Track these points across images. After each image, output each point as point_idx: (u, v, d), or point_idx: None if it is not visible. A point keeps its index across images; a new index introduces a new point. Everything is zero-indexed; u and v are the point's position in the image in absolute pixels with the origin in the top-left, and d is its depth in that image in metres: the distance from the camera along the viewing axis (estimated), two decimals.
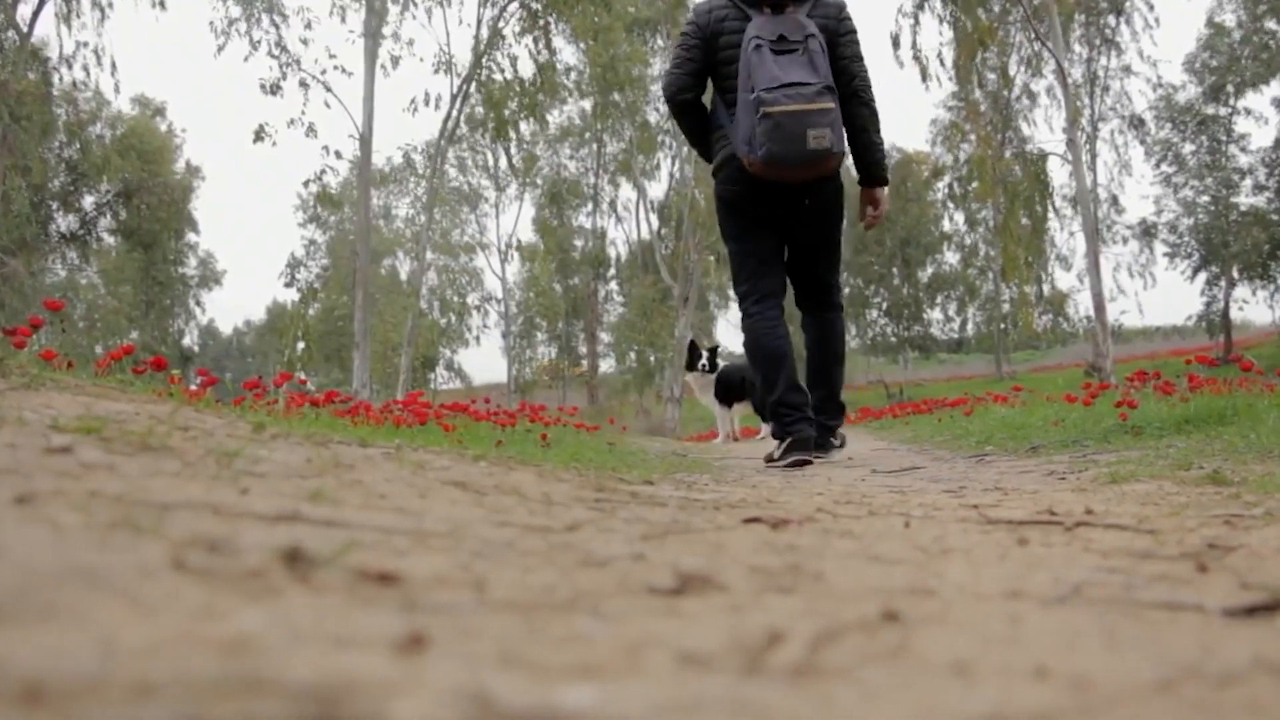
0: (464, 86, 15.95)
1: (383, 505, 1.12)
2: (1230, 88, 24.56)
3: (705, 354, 7.94)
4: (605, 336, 32.62)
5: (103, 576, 0.61)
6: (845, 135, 3.49)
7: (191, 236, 32.46)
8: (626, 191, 29.89)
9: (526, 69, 16.27)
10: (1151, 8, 23.06)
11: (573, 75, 22.68)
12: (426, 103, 16.15)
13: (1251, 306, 33.56)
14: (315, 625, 0.58)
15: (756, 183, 3.48)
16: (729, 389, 7.87)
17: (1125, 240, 26.03)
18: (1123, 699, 0.53)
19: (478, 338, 33.14)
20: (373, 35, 15.25)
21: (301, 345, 19.94)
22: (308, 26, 15.85)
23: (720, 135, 3.61)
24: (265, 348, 43.46)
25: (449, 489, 1.37)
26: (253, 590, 0.65)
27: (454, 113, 16.10)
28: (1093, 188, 22.40)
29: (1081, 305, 26.39)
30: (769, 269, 3.67)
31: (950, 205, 30.07)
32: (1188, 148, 25.34)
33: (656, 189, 28.41)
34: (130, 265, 29.18)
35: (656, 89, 25.55)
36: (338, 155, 16.14)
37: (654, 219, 27.44)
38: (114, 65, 17.99)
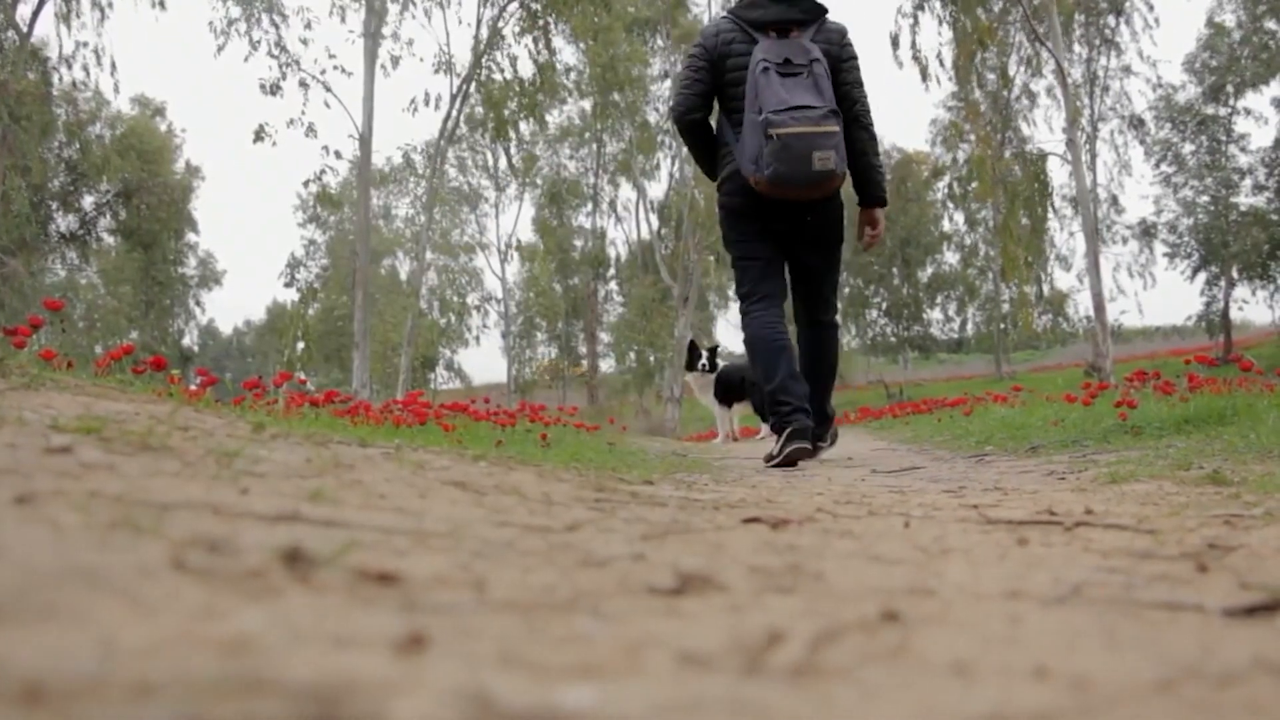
0: (464, 86, 15.96)
1: (383, 505, 1.12)
2: (1230, 88, 24.55)
3: (705, 354, 7.94)
4: (605, 336, 32.62)
5: (103, 576, 0.61)
6: (846, 157, 3.59)
7: (191, 236, 32.49)
8: (626, 191, 29.95)
9: (526, 69, 16.30)
10: (1151, 8, 23.10)
11: (573, 75, 22.69)
12: (426, 103, 16.17)
13: (1251, 306, 33.56)
14: (315, 625, 0.58)
15: (761, 198, 3.61)
16: (729, 389, 7.88)
17: (1125, 240, 26.06)
18: (1123, 699, 0.53)
19: (477, 338, 33.19)
20: (372, 35, 15.25)
21: (301, 345, 19.94)
22: (307, 26, 15.88)
23: (725, 152, 3.74)
24: (265, 348, 43.47)
25: (449, 489, 1.37)
26: (253, 590, 0.65)
27: (454, 113, 16.11)
28: (1092, 188, 22.41)
29: (1081, 305, 26.44)
30: (771, 275, 3.79)
31: (950, 205, 30.08)
32: (1188, 148, 25.34)
33: (656, 189, 28.46)
34: (130, 265, 29.17)
35: (656, 89, 25.64)
36: (338, 155, 16.17)
37: (654, 219, 27.47)
38: (114, 65, 18.01)
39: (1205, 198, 25.06)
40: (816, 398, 3.88)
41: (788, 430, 3.48)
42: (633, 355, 29.47)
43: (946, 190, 28.69)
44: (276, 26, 15.89)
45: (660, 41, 24.50)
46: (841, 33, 3.71)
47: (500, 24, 16.04)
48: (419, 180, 30.90)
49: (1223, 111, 24.98)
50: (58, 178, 25.92)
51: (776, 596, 0.80)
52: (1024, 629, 0.71)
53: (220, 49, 15.96)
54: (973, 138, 17.86)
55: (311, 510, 0.98)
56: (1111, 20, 23.71)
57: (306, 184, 16.17)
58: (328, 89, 15.55)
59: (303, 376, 11.49)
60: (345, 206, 26.01)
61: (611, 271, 32.72)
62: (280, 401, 4.30)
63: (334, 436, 1.96)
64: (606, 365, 32.87)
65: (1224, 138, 25.12)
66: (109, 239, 29.09)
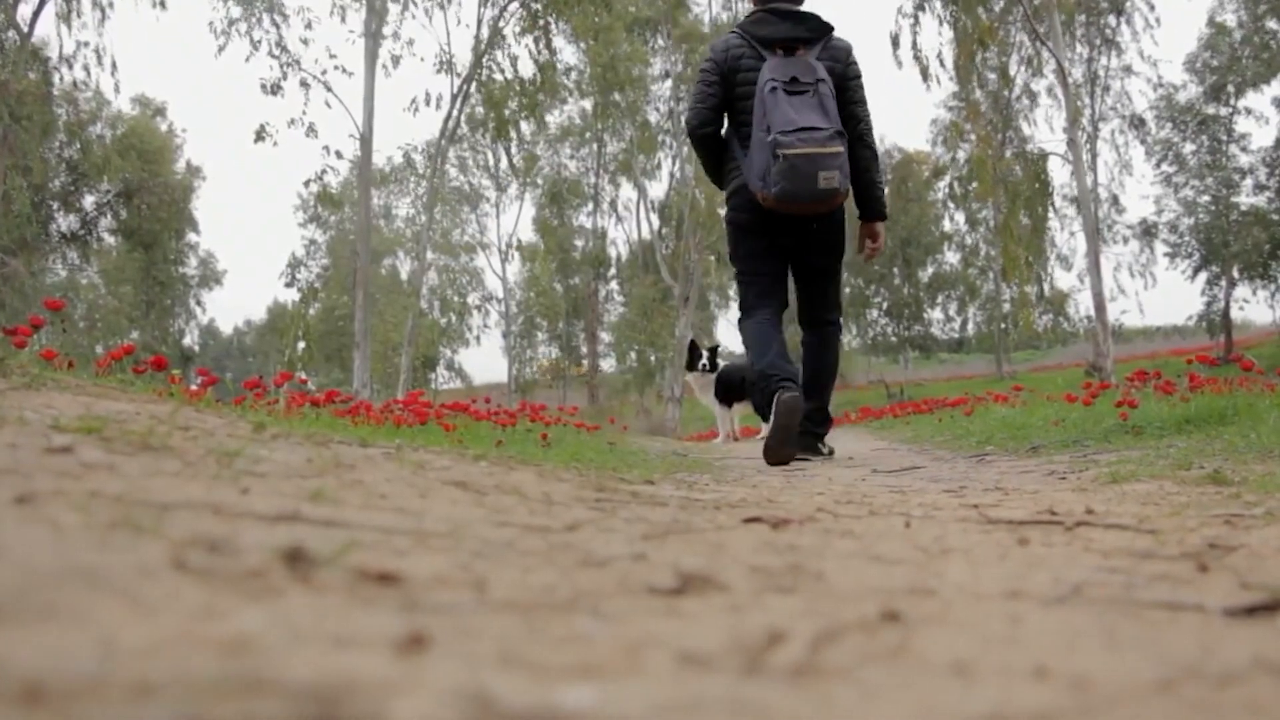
0: (464, 86, 15.95)
1: (383, 505, 1.12)
2: (1231, 87, 24.54)
3: (705, 354, 7.94)
4: (606, 336, 32.61)
5: (103, 576, 0.61)
6: (850, 173, 3.73)
7: (192, 236, 32.47)
8: (627, 191, 29.93)
9: (527, 69, 16.29)
10: (1152, 7, 23.06)
11: (573, 75, 22.68)
12: (427, 102, 16.16)
13: (1252, 306, 33.54)
14: (315, 625, 0.58)
15: (767, 212, 3.74)
16: (729, 389, 7.87)
17: (1126, 240, 26.03)
18: (1123, 699, 0.53)
19: (478, 337, 33.16)
20: (373, 35, 15.26)
21: (302, 345, 19.94)
22: (308, 26, 15.88)
23: (734, 166, 3.88)
24: (266, 348, 43.47)
25: (449, 489, 1.37)
26: (253, 590, 0.65)
27: (454, 112, 16.10)
28: (1093, 187, 22.38)
29: (1082, 305, 26.42)
30: (774, 290, 3.95)
31: (950, 205, 30.07)
32: (1188, 147, 25.32)
33: (657, 189, 28.45)
34: (131, 265, 29.17)
35: (657, 89, 25.64)
36: (338, 155, 16.17)
37: (654, 219, 27.46)
38: (114, 65, 17.99)
39: (1206, 197, 25.05)
40: (818, 398, 3.99)
41: (778, 399, 3.56)
42: (633, 355, 29.47)
43: (947, 190, 28.70)
44: (277, 26, 15.91)
45: (661, 41, 24.49)
46: (847, 50, 3.85)
47: (501, 24, 16.04)
48: (420, 180, 30.89)
49: (1224, 111, 24.97)
50: (58, 178, 25.92)
51: (777, 596, 0.80)
52: (1024, 629, 0.71)
53: (221, 49, 15.97)
54: (973, 137, 17.84)
55: (312, 510, 0.98)
56: (1112, 20, 23.69)
57: (307, 184, 16.17)
58: (328, 89, 15.56)
59: (303, 376, 11.50)
60: (346, 206, 26.01)
61: (612, 271, 32.72)
62: (281, 401, 4.30)
63: (335, 436, 1.96)
64: (607, 365, 32.88)
65: (1225, 137, 25.10)
66: (110, 239, 29.10)
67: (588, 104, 25.50)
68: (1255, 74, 23.94)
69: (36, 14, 17.30)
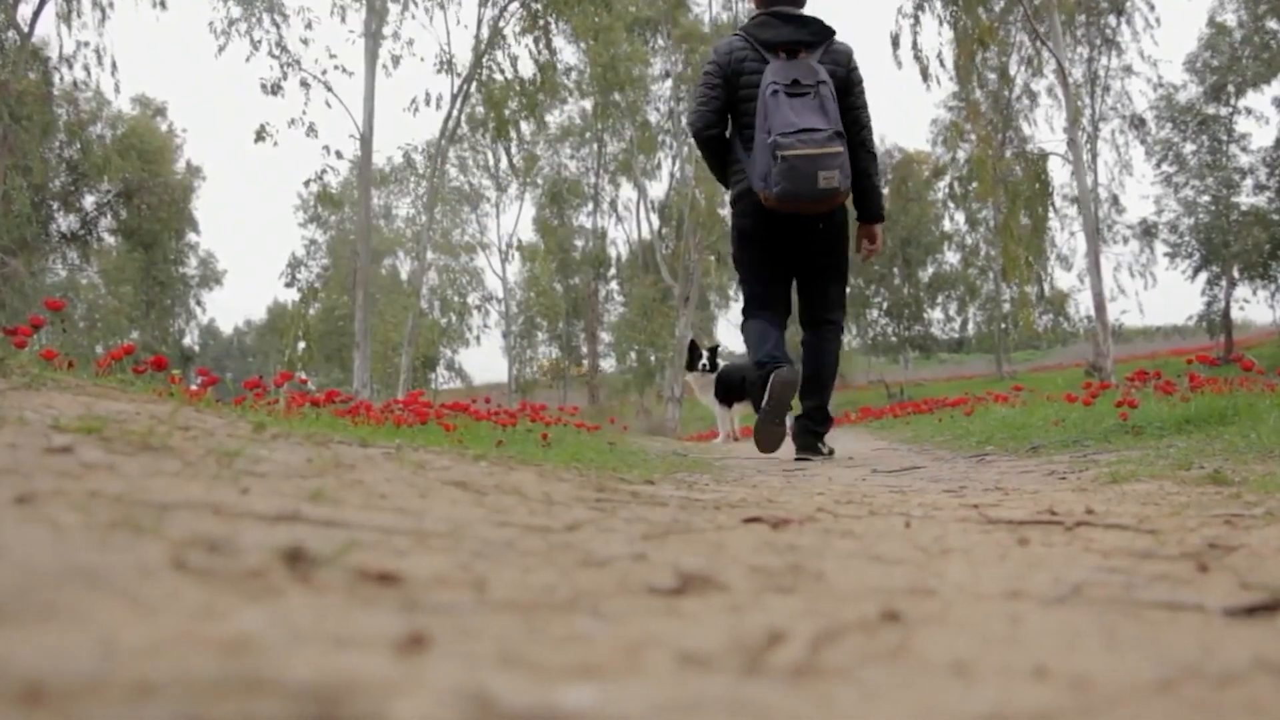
0: (464, 86, 15.95)
1: (383, 505, 1.12)
2: (1231, 87, 24.53)
3: (705, 353, 7.93)
4: (606, 336, 32.61)
5: (103, 576, 0.61)
6: (850, 174, 3.80)
7: (192, 236, 32.46)
8: (627, 191, 29.92)
9: (527, 69, 16.29)
10: (1152, 7, 23.06)
11: (573, 75, 22.68)
12: (427, 102, 16.16)
13: (1252, 306, 33.48)
14: (315, 625, 0.58)
15: (771, 214, 3.83)
16: (729, 388, 7.86)
17: (1126, 240, 26.02)
18: (1123, 699, 0.53)
19: (478, 337, 33.15)
20: (373, 35, 15.26)
21: (302, 345, 19.94)
22: (308, 26, 15.89)
23: (738, 169, 3.96)
24: (266, 347, 43.46)
25: (449, 489, 1.37)
26: (253, 590, 0.65)
27: (454, 112, 16.10)
28: (1093, 187, 22.38)
29: (1082, 305, 26.41)
30: (777, 294, 4.07)
31: (951, 205, 30.07)
32: (1188, 147, 25.32)
33: (657, 189, 28.44)
34: (131, 265, 29.17)
35: (657, 89, 25.64)
36: (338, 155, 16.18)
37: (654, 219, 27.45)
38: (114, 65, 17.98)
39: (1206, 197, 25.05)
40: (818, 397, 4.03)
41: (771, 376, 3.74)
42: (633, 355, 29.46)
43: (947, 190, 28.69)
44: (277, 26, 15.91)
45: (661, 41, 24.49)
46: (848, 55, 3.93)
47: (501, 24, 16.04)
48: (420, 180, 30.88)
49: (1224, 111, 24.96)
50: (59, 178, 25.92)
51: (777, 596, 0.80)
52: (1024, 629, 0.71)
53: (221, 49, 15.98)
54: (973, 137, 17.84)
55: (312, 510, 0.98)
56: (1112, 20, 23.69)
57: (307, 184, 16.18)
58: (329, 89, 15.58)
59: (303, 376, 11.50)
60: (346, 206, 26.01)
61: (612, 271, 32.71)
62: (281, 401, 4.30)
63: (335, 436, 1.96)
64: (607, 365, 32.88)
65: (1225, 137, 25.10)
66: (110, 239, 29.10)
67: (588, 104, 25.50)
68: (1255, 74, 23.94)
69: (36, 14, 17.31)
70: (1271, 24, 23.81)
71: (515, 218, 62.98)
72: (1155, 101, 25.04)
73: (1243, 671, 0.58)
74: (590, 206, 31.15)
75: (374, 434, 2.70)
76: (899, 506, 1.68)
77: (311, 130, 15.18)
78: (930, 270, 33.53)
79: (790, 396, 3.78)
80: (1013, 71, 20.49)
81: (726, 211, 19.88)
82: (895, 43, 17.27)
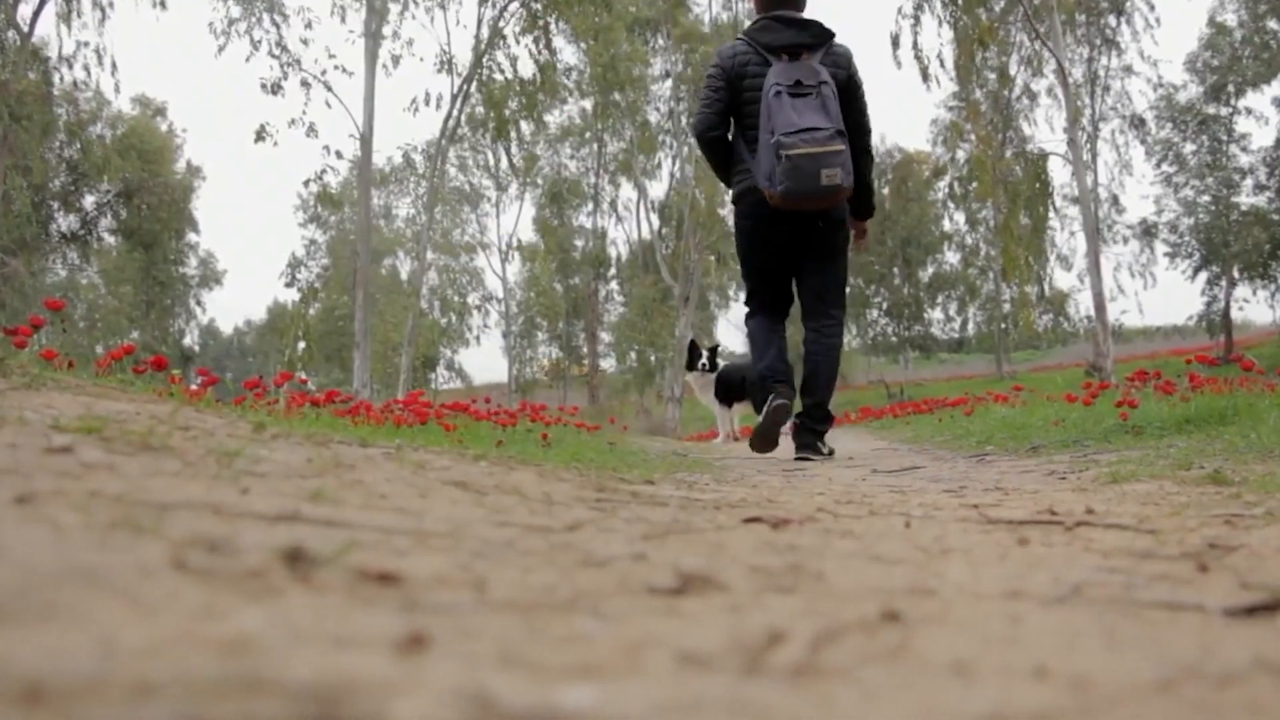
0: (464, 86, 15.95)
1: (383, 505, 1.12)
2: (1231, 87, 24.53)
3: (705, 353, 7.93)
4: (606, 336, 32.60)
5: (103, 576, 0.61)
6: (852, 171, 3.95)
7: (192, 236, 32.44)
8: (627, 191, 29.91)
9: (527, 69, 16.29)
10: (1152, 7, 23.08)
11: (573, 75, 22.66)
12: (427, 102, 16.17)
13: (1252, 306, 33.50)
14: (315, 625, 0.58)
15: (771, 212, 3.95)
16: (729, 388, 7.86)
17: (1126, 240, 26.02)
18: (1123, 699, 0.53)
19: (478, 337, 33.15)
20: (373, 35, 15.27)
21: (302, 345, 19.95)
22: (308, 26, 15.90)
23: (742, 169, 4.08)
24: (266, 348, 43.45)
25: (449, 489, 1.37)
26: (253, 590, 0.65)
27: (454, 112, 16.10)
28: (1093, 187, 22.39)
29: (1082, 305, 26.41)
30: (779, 291, 4.23)
31: (951, 205, 30.05)
32: (1188, 147, 25.32)
33: (657, 188, 28.44)
34: (131, 265, 29.16)
35: (657, 89, 25.63)
36: (338, 155, 16.20)
37: (654, 219, 27.45)
38: (114, 65, 18.00)
39: (1206, 197, 25.05)
40: (818, 395, 4.11)
41: (772, 400, 3.98)
42: (633, 355, 29.46)
43: (947, 190, 28.68)
44: (277, 26, 15.92)
45: (661, 41, 24.48)
46: (848, 57, 4.05)
47: (501, 24, 16.04)
48: (420, 180, 30.87)
49: (1224, 111, 24.96)
50: (58, 178, 25.91)
51: (777, 596, 0.80)
52: (1024, 629, 0.71)
53: (221, 49, 15.98)
54: (973, 137, 17.84)
55: (312, 510, 0.98)
56: (1112, 20, 23.70)
57: (307, 184, 16.19)
58: (329, 89, 15.58)
59: (303, 376, 11.50)
60: (346, 206, 26.01)
61: (612, 271, 32.70)
62: (281, 401, 4.30)
63: (335, 436, 1.96)
64: (607, 365, 32.87)
65: (1225, 137, 25.10)
66: (110, 239, 29.09)
67: (588, 104, 25.48)
68: (1255, 74, 23.94)
69: (36, 14, 17.31)
70: (1271, 24, 23.81)
71: (515, 218, 63.07)
72: (1155, 101, 25.06)
73: (1243, 671, 0.58)
74: (590, 206, 31.15)
75: (374, 434, 2.70)
76: (899, 506, 1.68)
77: (311, 130, 15.20)
78: (930, 270, 33.53)
79: (785, 419, 4.00)
80: (1013, 71, 20.50)
81: (726, 211, 19.91)
82: (895, 43, 17.26)
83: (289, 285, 35.36)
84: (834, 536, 1.23)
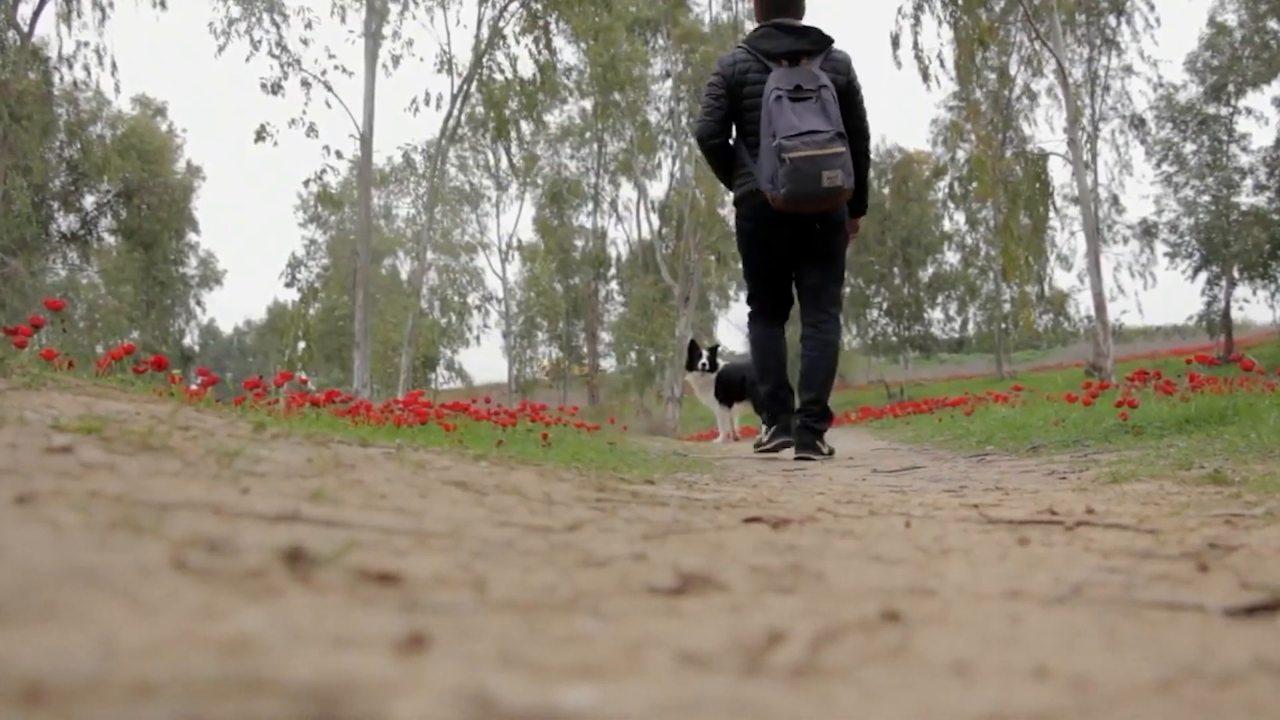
0: (464, 86, 15.95)
1: (383, 505, 1.12)
2: (1231, 87, 24.53)
3: (705, 353, 7.93)
4: (606, 336, 32.60)
5: (103, 576, 0.61)
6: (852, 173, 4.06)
7: (192, 236, 32.43)
8: (627, 191, 29.90)
9: (527, 69, 16.29)
10: (1152, 7, 23.07)
11: (573, 75, 22.66)
12: (427, 102, 16.17)
13: (1252, 306, 33.42)
14: (315, 625, 0.58)
15: (772, 214, 4.03)
16: (729, 388, 7.86)
17: (1126, 240, 26.02)
18: (1123, 699, 0.53)
19: (478, 337, 33.14)
20: (373, 35, 15.26)
21: (302, 345, 19.94)
22: (308, 26, 15.89)
23: (744, 172, 4.16)
24: (266, 347, 43.46)
25: (449, 489, 1.37)
26: (253, 590, 0.65)
27: (454, 112, 16.10)
28: (1093, 187, 22.38)
29: (1082, 305, 26.42)
30: (780, 291, 4.34)
31: (951, 205, 30.04)
32: (1188, 147, 25.31)
33: (657, 189, 28.43)
34: (131, 265, 29.16)
35: (657, 89, 25.63)
36: (338, 155, 16.18)
37: (655, 219, 27.44)
38: (114, 65, 18.00)
39: (1206, 197, 25.05)
40: (816, 392, 4.17)
41: (776, 427, 4.23)
42: (633, 355, 29.45)
43: (947, 190, 28.67)
44: (277, 26, 15.92)
45: (661, 41, 24.48)
46: (847, 63, 4.14)
47: (501, 24, 16.04)
48: (420, 180, 30.87)
49: (1224, 111, 24.96)
50: (59, 178, 25.90)
51: (777, 596, 0.80)
52: (1024, 629, 0.71)
53: (221, 49, 15.98)
54: (973, 137, 17.84)
55: (312, 510, 0.98)
56: (1112, 20, 23.69)
57: (307, 184, 16.19)
58: (329, 89, 15.58)
59: (303, 376, 11.50)
60: (346, 206, 26.01)
61: (612, 271, 32.69)
62: (281, 401, 4.30)
63: (335, 436, 1.96)
64: (607, 365, 32.87)
65: (1225, 137, 25.10)
66: (110, 239, 29.08)
67: (588, 104, 25.47)
68: (1255, 74, 23.94)
69: (36, 14, 17.31)
70: (1271, 24, 23.81)
71: (515, 218, 63.07)
72: (1155, 101, 25.06)
73: (1243, 671, 0.58)
74: (590, 206, 31.15)
75: (374, 434, 2.70)
76: (899, 506, 1.68)
77: (311, 130, 15.19)
78: (930, 270, 33.52)
79: (787, 448, 4.18)
80: (1013, 71, 20.49)
81: (726, 211, 19.92)
82: (895, 43, 17.26)
83: (289, 285, 35.40)
84: (834, 536, 1.23)
